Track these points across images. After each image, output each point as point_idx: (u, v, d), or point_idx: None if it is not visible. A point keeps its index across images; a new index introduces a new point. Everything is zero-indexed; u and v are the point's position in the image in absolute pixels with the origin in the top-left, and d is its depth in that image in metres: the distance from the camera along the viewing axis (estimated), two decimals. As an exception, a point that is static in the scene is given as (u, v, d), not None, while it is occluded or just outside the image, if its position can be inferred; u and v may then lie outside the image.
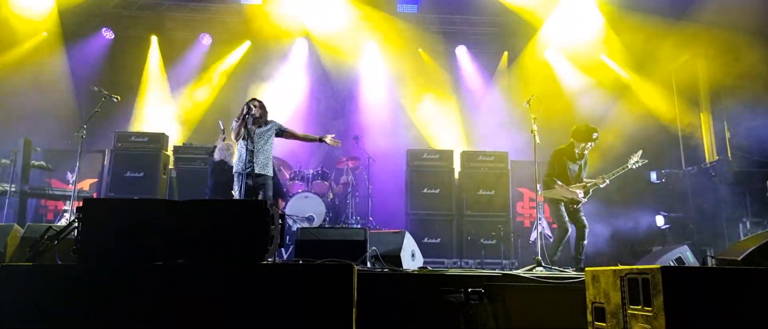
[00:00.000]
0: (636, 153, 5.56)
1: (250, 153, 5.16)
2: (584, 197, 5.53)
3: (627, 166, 5.53)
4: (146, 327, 2.61)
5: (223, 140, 6.79)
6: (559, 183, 5.51)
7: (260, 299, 2.66)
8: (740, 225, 6.71)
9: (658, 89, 8.14)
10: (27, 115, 7.88)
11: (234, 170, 5.39)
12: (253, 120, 5.26)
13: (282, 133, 5.50)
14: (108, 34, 9.16)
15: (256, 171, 5.20)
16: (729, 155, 7.36)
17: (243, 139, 5.22)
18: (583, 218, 5.58)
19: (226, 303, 2.64)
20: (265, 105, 5.48)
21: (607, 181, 5.55)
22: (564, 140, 5.80)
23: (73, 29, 8.95)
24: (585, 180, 5.67)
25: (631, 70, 8.46)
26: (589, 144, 5.58)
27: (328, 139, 5.52)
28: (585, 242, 5.53)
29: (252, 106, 5.29)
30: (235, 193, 5.29)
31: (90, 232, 2.81)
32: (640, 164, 5.54)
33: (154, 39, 9.35)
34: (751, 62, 6.94)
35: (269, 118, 5.47)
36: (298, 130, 7.55)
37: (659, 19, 7.51)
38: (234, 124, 5.30)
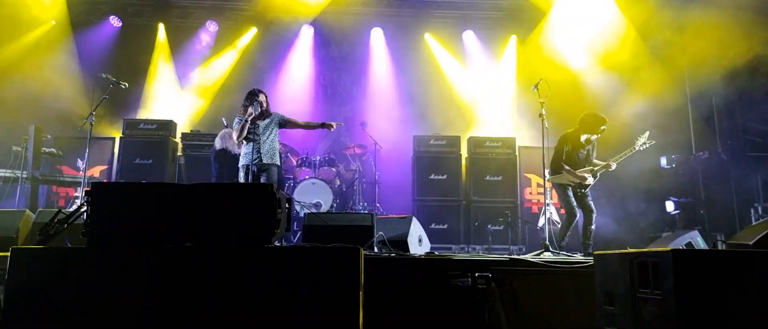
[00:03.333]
0: (643, 134, 5.50)
1: (256, 146, 5.18)
2: (593, 180, 5.50)
3: (634, 148, 5.49)
4: (154, 309, 2.64)
5: (226, 126, 6.83)
6: (567, 167, 5.48)
7: (267, 282, 2.67)
8: (752, 210, 6.64)
9: (669, 73, 8.01)
10: (36, 102, 7.93)
11: (240, 163, 5.38)
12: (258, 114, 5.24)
13: (285, 124, 5.48)
14: (115, 22, 9.17)
15: (264, 161, 5.23)
16: (741, 140, 7.25)
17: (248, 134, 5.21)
18: (591, 203, 5.55)
19: (233, 286, 2.66)
20: (265, 95, 5.43)
21: (614, 165, 5.51)
22: (573, 125, 5.74)
23: (80, 17, 8.98)
24: (594, 161, 5.64)
25: (642, 54, 8.32)
26: (595, 135, 5.52)
27: (331, 124, 5.50)
28: (593, 227, 5.51)
29: (254, 100, 5.24)
30: None
31: (99, 216, 2.83)
32: (647, 145, 5.49)
33: (161, 26, 9.35)
34: (765, 47, 6.79)
35: (271, 110, 5.45)
36: (305, 117, 7.56)
37: (672, 2, 7.37)
38: (236, 122, 5.28)
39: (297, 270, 2.70)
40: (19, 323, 2.62)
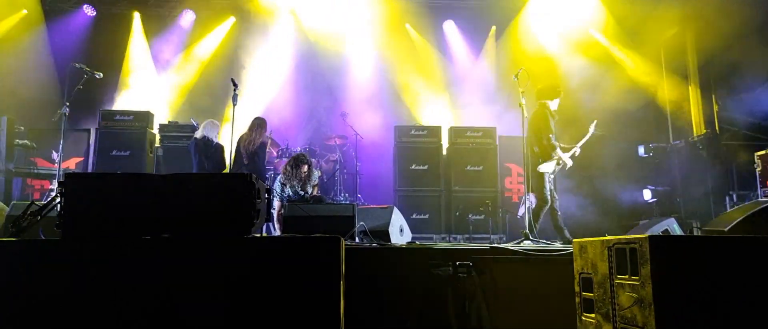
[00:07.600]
0: (592, 123, 5.68)
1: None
2: (571, 162, 5.59)
3: (589, 133, 5.65)
4: (131, 302, 2.58)
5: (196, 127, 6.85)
6: (559, 149, 5.45)
7: (247, 272, 2.64)
8: (727, 198, 6.79)
9: (646, 62, 8.13)
10: (8, 93, 7.71)
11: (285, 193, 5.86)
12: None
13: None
14: (89, 11, 8.92)
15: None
16: (716, 129, 7.41)
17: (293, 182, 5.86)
18: (553, 189, 5.62)
19: (212, 277, 2.62)
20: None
21: (578, 151, 5.66)
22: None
23: (53, 6, 8.72)
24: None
25: (620, 44, 8.42)
26: (557, 99, 5.59)
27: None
28: (560, 213, 5.56)
29: (301, 173, 5.87)
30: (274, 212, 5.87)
31: (73, 207, 2.76)
32: (595, 132, 5.66)
33: (136, 15, 9.13)
34: (740, 36, 6.93)
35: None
36: (286, 107, 7.55)
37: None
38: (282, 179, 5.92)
39: (278, 260, 2.68)
40: (-9, 318, 2.54)
